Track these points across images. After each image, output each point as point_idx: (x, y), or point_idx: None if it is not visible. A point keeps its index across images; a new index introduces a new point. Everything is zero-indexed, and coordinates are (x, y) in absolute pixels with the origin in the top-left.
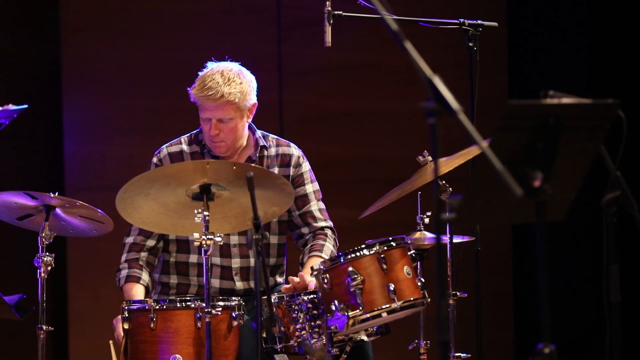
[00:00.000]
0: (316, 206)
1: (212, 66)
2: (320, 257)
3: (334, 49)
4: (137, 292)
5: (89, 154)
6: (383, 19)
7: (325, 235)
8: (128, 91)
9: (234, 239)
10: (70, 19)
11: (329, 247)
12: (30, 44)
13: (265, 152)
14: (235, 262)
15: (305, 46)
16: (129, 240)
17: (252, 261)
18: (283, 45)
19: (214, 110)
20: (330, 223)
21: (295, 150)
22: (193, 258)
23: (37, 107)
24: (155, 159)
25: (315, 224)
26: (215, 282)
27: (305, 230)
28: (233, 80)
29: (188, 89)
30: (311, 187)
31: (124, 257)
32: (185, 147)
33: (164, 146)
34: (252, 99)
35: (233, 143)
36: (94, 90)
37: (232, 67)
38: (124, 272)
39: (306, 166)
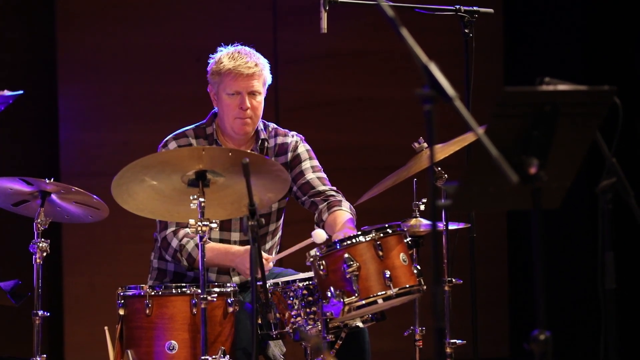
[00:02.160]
0: (312, 175)
1: (227, 49)
2: (342, 210)
3: (330, 35)
4: (217, 245)
5: (85, 140)
6: (379, 5)
7: (332, 195)
8: (123, 78)
9: (235, 236)
10: (65, 6)
11: (345, 202)
12: (25, 31)
13: (266, 144)
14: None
15: (300, 33)
16: (169, 229)
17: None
18: (278, 32)
19: (248, 80)
20: (332, 187)
21: (292, 138)
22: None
23: (32, 94)
24: (164, 150)
25: (314, 190)
26: (212, 276)
27: (305, 197)
28: (258, 56)
29: (209, 66)
30: (308, 163)
31: (175, 241)
32: (192, 140)
33: (171, 138)
34: (270, 79)
35: (256, 121)
36: (89, 77)
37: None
38: (190, 245)
39: (303, 147)
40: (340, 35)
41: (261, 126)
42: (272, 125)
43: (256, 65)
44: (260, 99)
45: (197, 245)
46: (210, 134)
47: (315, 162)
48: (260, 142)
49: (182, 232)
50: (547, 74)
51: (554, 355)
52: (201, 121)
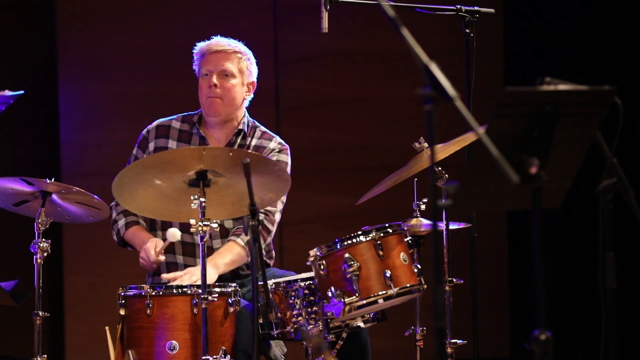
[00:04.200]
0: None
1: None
2: (234, 242)
3: (331, 35)
4: (143, 234)
5: (85, 140)
6: (380, 5)
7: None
8: (124, 77)
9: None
10: (66, 6)
11: (244, 237)
12: (26, 31)
13: (247, 141)
14: (217, 243)
15: (301, 33)
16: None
17: (215, 242)
18: (279, 31)
19: (218, 60)
20: (270, 213)
21: (273, 144)
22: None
23: (33, 94)
24: (144, 131)
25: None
26: (180, 259)
27: None
28: (237, 43)
29: (194, 51)
30: None
31: (114, 212)
32: (176, 123)
33: (159, 119)
34: (253, 72)
35: (229, 104)
36: (89, 77)
37: None
38: (121, 222)
39: (278, 157)
40: (341, 35)
41: (245, 120)
42: (262, 127)
43: (228, 45)
44: (234, 82)
45: (125, 224)
46: (195, 120)
47: None
48: (239, 134)
49: (115, 209)
50: (547, 74)
51: (554, 355)
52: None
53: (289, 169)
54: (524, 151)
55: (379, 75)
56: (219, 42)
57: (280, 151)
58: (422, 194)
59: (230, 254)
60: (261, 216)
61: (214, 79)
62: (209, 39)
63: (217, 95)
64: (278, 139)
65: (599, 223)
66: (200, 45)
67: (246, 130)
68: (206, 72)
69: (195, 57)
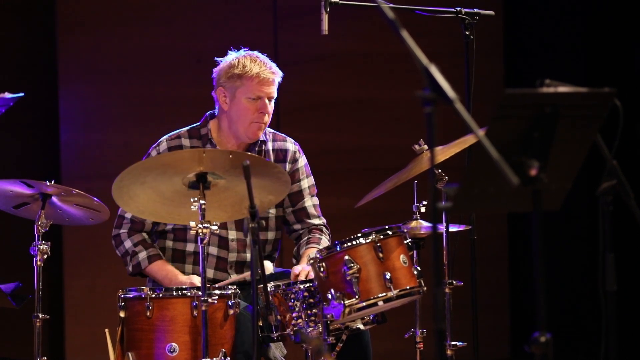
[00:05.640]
0: (310, 202)
1: (239, 53)
2: (317, 248)
3: (331, 37)
4: (169, 267)
5: (85, 143)
6: (380, 7)
7: (321, 231)
8: (124, 79)
9: (232, 234)
10: (66, 8)
11: (325, 241)
12: (26, 33)
13: (264, 147)
14: (232, 257)
15: (301, 34)
16: (128, 215)
17: (248, 256)
18: (279, 33)
19: (270, 86)
20: (323, 220)
21: (291, 145)
22: (190, 247)
23: (33, 96)
24: (154, 152)
25: (308, 221)
26: (210, 272)
27: (297, 226)
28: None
29: (223, 68)
30: (306, 182)
31: (128, 242)
32: (185, 141)
33: (164, 139)
34: None
35: (266, 126)
36: (90, 79)
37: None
38: (142, 255)
39: (302, 161)
40: (341, 36)
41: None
42: (269, 129)
43: (278, 72)
44: (273, 105)
45: (147, 257)
46: (205, 134)
47: (312, 180)
48: (258, 143)
49: (137, 237)
50: (547, 76)
51: (554, 357)
52: (195, 123)
53: (309, 169)
54: (524, 153)
55: (379, 77)
56: (271, 68)
57: (300, 153)
58: (422, 196)
59: None
60: (324, 229)
61: (269, 108)
62: (246, 57)
63: (265, 121)
64: (289, 138)
65: (599, 225)
66: (252, 67)
67: (265, 138)
68: (256, 97)
69: (239, 75)
